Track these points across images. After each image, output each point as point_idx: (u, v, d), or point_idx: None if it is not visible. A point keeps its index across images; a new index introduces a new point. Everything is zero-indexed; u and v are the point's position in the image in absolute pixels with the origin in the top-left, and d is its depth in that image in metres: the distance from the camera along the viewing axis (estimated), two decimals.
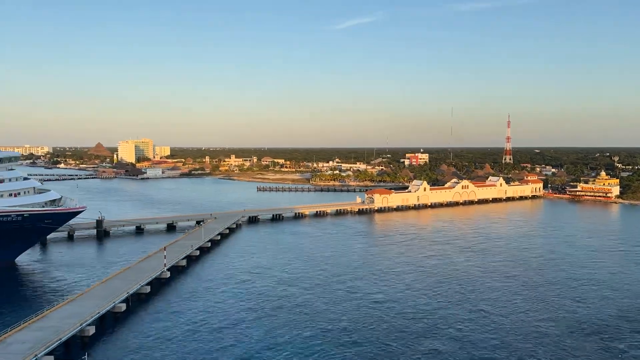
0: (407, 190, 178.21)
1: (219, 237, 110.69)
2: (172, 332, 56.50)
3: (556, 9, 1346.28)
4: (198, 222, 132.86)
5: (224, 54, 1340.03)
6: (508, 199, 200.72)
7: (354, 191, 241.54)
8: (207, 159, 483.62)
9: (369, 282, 77.62)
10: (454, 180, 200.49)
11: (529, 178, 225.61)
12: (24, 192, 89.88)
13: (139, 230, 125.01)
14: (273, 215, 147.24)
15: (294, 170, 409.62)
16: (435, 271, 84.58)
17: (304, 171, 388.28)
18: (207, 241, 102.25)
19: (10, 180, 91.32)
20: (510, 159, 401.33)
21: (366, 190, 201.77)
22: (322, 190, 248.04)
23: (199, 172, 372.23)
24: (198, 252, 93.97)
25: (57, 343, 48.02)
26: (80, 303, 59.88)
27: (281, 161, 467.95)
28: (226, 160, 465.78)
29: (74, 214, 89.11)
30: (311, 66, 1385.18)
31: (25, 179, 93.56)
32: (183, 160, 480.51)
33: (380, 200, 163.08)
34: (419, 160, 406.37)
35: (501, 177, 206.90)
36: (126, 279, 70.22)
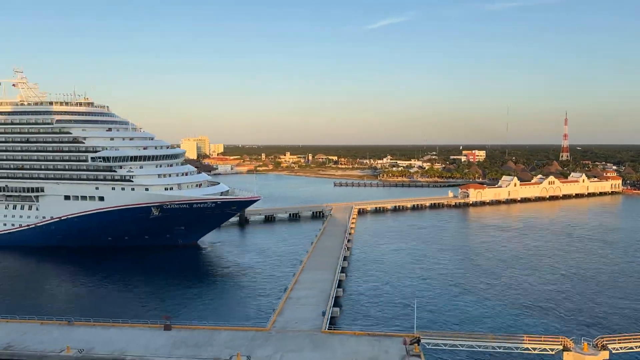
0: (497, 186, 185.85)
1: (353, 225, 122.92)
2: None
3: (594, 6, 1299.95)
4: (315, 213, 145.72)
5: (256, 56, 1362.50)
6: (589, 195, 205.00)
7: (424, 187, 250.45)
8: (264, 155, 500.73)
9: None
10: (540, 176, 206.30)
11: (607, 175, 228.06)
12: (203, 185, 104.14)
13: (269, 219, 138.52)
14: (376, 208, 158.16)
15: (350, 166, 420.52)
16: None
17: (363, 167, 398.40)
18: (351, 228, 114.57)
19: (190, 174, 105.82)
20: (567, 156, 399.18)
21: (435, 185, 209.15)
22: (392, 186, 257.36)
23: (263, 168, 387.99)
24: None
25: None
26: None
27: (335, 158, 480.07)
28: (282, 157, 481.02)
29: (252, 202, 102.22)
30: (343, 66, 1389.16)
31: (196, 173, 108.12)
32: (239, 157, 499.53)
33: (474, 194, 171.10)
34: (476, 157, 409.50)
35: (583, 174, 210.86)
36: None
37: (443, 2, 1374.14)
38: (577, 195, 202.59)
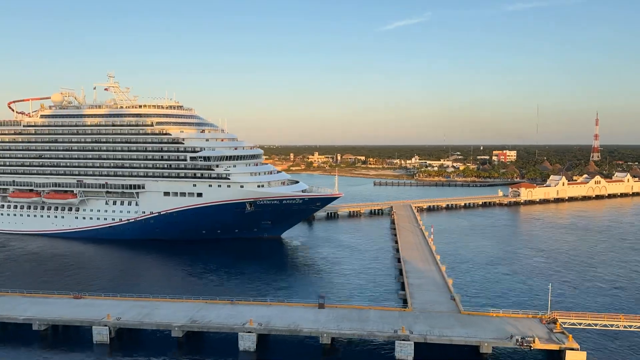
0: (545, 185, 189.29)
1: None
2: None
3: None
4: (373, 211, 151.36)
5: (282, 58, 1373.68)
6: (634, 194, 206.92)
7: (463, 186, 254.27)
8: (292, 155, 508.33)
9: None
10: (585, 175, 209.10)
11: None
12: (286, 183, 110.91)
13: (331, 216, 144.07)
14: (430, 206, 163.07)
15: (380, 166, 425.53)
16: None
17: (393, 167, 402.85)
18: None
19: (272, 172, 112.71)
20: (598, 156, 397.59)
21: (474, 185, 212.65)
22: (428, 185, 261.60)
23: (296, 168, 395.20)
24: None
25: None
26: None
27: (362, 158, 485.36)
28: (310, 157, 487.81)
29: (335, 198, 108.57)
30: (361, 66, 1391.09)
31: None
32: (268, 157, 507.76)
33: (526, 193, 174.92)
34: (507, 157, 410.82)
35: (628, 174, 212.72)
36: None
37: (458, 3, 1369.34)
38: (622, 195, 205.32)
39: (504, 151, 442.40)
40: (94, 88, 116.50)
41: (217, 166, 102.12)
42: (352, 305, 57.59)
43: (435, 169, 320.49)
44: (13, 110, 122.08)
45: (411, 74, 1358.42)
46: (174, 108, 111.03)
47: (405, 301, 61.05)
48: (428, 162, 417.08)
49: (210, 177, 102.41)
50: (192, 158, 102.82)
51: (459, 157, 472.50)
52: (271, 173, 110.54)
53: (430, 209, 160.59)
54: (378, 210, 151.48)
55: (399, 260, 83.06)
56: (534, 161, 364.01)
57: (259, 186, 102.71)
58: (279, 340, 51.59)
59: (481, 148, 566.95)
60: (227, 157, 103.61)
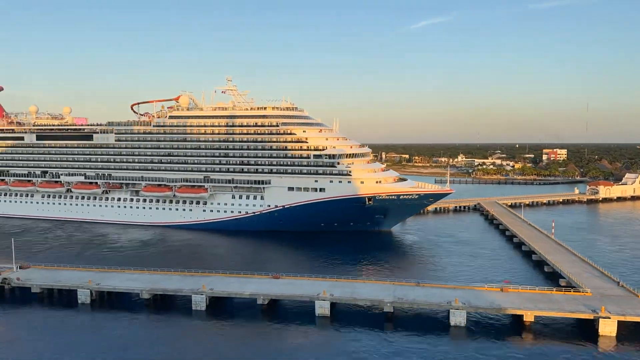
0: (621, 183, 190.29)
1: None
2: None
3: None
4: (458, 207, 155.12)
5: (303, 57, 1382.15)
6: None
7: (521, 184, 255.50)
8: None
9: None
10: None
11: None
12: (396, 179, 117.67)
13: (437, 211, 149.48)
14: (512, 203, 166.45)
15: (427, 164, 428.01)
16: None
17: (441, 165, 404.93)
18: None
19: (383, 170, 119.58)
20: None
21: (535, 183, 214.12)
22: (486, 183, 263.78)
23: None
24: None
25: None
26: None
27: (406, 156, 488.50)
28: None
29: (446, 194, 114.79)
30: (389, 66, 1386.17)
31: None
32: None
33: (604, 191, 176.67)
34: (557, 156, 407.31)
35: None
36: None
37: (485, 2, 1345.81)
38: None
39: (554, 150, 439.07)
40: (215, 91, 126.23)
41: (339, 163, 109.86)
42: (535, 289, 63.65)
43: (492, 167, 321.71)
44: (135, 112, 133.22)
45: (440, 73, 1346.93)
46: (291, 109, 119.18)
47: (569, 286, 66.36)
48: (475, 160, 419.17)
49: (332, 174, 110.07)
50: (315, 156, 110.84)
51: (502, 155, 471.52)
52: (383, 170, 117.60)
53: (513, 206, 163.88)
54: (464, 206, 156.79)
55: (530, 252, 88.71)
56: (587, 159, 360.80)
57: (377, 182, 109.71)
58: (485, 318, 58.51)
59: (517, 146, 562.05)
60: (347, 155, 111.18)
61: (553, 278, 75.06)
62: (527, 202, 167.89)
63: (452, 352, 51.05)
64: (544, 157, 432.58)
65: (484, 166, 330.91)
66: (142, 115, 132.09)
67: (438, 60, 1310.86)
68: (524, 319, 55.91)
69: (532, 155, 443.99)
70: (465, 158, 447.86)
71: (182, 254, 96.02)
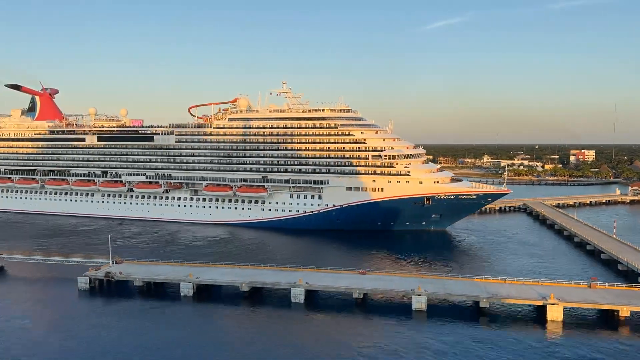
0: None
1: None
2: None
3: None
4: (502, 208, 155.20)
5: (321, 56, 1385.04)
6: None
7: (552, 185, 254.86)
8: None
9: None
10: None
11: None
12: (452, 180, 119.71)
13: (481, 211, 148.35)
14: (557, 204, 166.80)
15: (453, 165, 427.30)
16: None
17: (468, 166, 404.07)
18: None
19: (438, 170, 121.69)
20: None
21: (570, 184, 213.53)
22: (520, 184, 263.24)
23: None
24: None
25: None
26: None
27: (430, 157, 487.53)
28: None
29: (504, 194, 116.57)
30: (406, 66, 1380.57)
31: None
32: None
33: None
34: (585, 157, 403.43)
35: None
36: None
37: (500, 2, 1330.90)
38: None
39: (582, 150, 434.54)
40: (270, 94, 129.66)
41: (397, 164, 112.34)
42: (622, 286, 65.28)
43: (522, 168, 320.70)
44: (193, 115, 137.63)
45: (454, 74, 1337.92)
46: (346, 111, 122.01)
47: None
48: (502, 161, 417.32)
49: (390, 174, 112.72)
50: (374, 157, 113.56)
51: (526, 156, 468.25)
52: (437, 171, 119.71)
53: (559, 207, 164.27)
54: (509, 207, 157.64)
55: (597, 251, 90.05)
56: (617, 160, 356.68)
57: (435, 182, 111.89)
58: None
59: (536, 147, 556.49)
60: (406, 155, 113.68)
61: (631, 276, 76.23)
62: (572, 203, 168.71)
63: (556, 346, 53.07)
64: (572, 158, 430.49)
65: (514, 167, 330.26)
66: (199, 117, 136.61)
67: (451, 61, 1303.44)
68: (619, 314, 57.82)
69: (557, 157, 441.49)
70: (491, 159, 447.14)
71: (258, 250, 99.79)
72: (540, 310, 59.97)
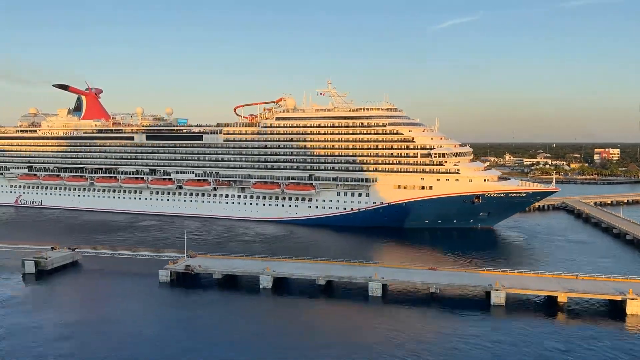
0: None
1: None
2: None
3: None
4: (542, 206, 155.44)
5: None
6: None
7: (581, 183, 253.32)
8: None
9: None
10: None
11: None
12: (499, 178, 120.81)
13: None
14: (595, 202, 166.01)
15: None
16: None
17: (492, 165, 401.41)
18: None
19: (486, 169, 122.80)
20: None
21: (601, 183, 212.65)
22: (548, 182, 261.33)
23: None
24: None
25: None
26: None
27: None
28: None
29: (552, 192, 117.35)
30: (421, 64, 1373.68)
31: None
32: None
33: None
34: (610, 155, 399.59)
35: None
36: None
37: (511, 1, 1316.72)
38: None
39: (607, 149, 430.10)
40: (316, 93, 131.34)
41: (447, 162, 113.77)
42: None
43: (548, 166, 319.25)
44: (238, 115, 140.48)
45: (476, 71, 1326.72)
46: (392, 110, 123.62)
47: None
48: (524, 160, 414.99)
49: (439, 172, 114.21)
50: (422, 155, 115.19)
51: (547, 155, 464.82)
52: (486, 169, 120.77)
53: (597, 205, 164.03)
54: (548, 205, 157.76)
55: None
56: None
57: (484, 180, 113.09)
58: None
59: (554, 145, 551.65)
60: (455, 153, 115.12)
61: None
62: (609, 202, 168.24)
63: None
64: (595, 156, 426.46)
65: (539, 165, 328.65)
66: (245, 117, 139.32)
67: (465, 59, 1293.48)
68: None
69: (578, 155, 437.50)
70: (514, 157, 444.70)
71: (317, 246, 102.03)
72: (617, 305, 61.27)
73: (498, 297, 63.04)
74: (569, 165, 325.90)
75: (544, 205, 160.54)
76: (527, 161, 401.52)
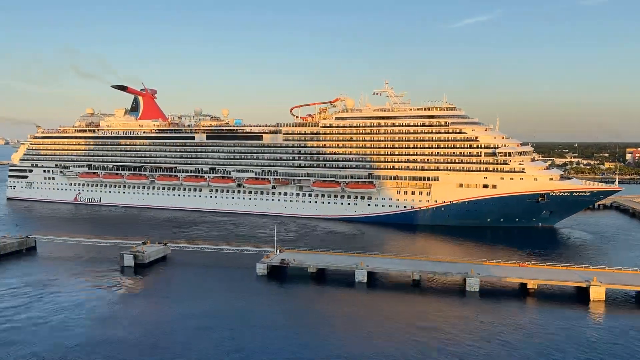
0: None
1: None
2: None
3: None
4: None
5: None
6: None
7: (622, 183, 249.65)
8: None
9: None
10: None
11: None
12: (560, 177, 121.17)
13: None
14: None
15: None
16: None
17: None
18: None
19: (548, 168, 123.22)
20: None
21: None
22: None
23: None
24: None
25: None
26: None
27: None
28: None
29: (616, 191, 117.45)
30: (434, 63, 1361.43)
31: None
32: None
33: None
34: None
35: None
36: None
37: (527, 0, 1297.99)
38: None
39: (638, 148, 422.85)
40: (373, 94, 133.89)
41: (511, 161, 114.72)
42: None
43: (580, 166, 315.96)
44: (295, 115, 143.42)
45: (492, 69, 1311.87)
46: (451, 109, 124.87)
47: None
48: (555, 159, 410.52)
49: (503, 171, 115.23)
50: (487, 154, 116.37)
51: (575, 155, 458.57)
52: (546, 168, 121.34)
53: None
54: (600, 205, 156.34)
55: None
56: None
57: (549, 179, 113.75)
58: None
59: (576, 145, 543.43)
60: (519, 152, 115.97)
61: None
62: None
63: None
64: (628, 156, 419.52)
65: (573, 165, 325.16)
66: (302, 117, 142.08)
67: (480, 58, 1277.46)
68: None
69: (607, 155, 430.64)
70: (543, 157, 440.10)
71: (393, 243, 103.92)
72: None
73: (598, 293, 64.30)
74: (602, 164, 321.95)
75: (597, 205, 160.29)
76: (558, 161, 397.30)
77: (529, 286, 67.46)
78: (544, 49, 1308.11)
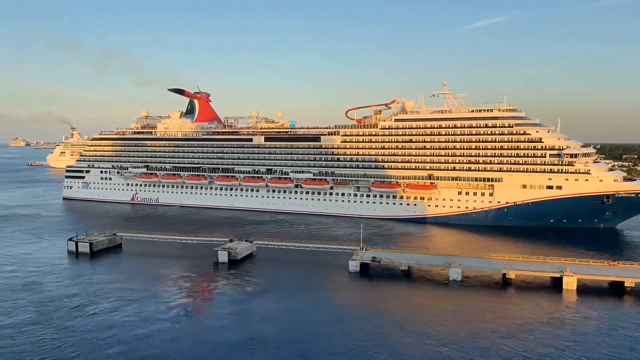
0: None
1: None
2: None
3: None
4: None
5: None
6: None
7: None
8: None
9: None
10: None
11: None
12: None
13: None
14: None
15: None
16: None
17: None
18: None
19: (610, 169, 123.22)
20: None
21: None
22: None
23: None
24: None
25: None
26: None
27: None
28: None
29: None
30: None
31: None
32: None
33: None
34: None
35: None
36: None
37: (544, 1, 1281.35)
38: None
39: None
40: (432, 95, 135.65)
41: (577, 162, 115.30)
42: None
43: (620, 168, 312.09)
44: (350, 118, 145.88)
45: (505, 71, 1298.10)
46: (512, 111, 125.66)
47: None
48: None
49: (568, 172, 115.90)
50: (551, 155, 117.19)
51: (601, 155, 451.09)
52: (609, 170, 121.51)
53: None
54: None
55: None
56: None
57: (614, 180, 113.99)
58: None
59: (598, 146, 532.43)
60: (583, 154, 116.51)
61: None
62: None
63: None
64: None
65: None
66: (357, 120, 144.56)
67: (496, 59, 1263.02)
68: None
69: (636, 156, 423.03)
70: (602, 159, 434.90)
71: (471, 243, 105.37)
72: None
73: None
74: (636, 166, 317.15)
75: None
76: (614, 163, 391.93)
77: (626, 284, 68.66)
78: (567, 50, 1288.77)
